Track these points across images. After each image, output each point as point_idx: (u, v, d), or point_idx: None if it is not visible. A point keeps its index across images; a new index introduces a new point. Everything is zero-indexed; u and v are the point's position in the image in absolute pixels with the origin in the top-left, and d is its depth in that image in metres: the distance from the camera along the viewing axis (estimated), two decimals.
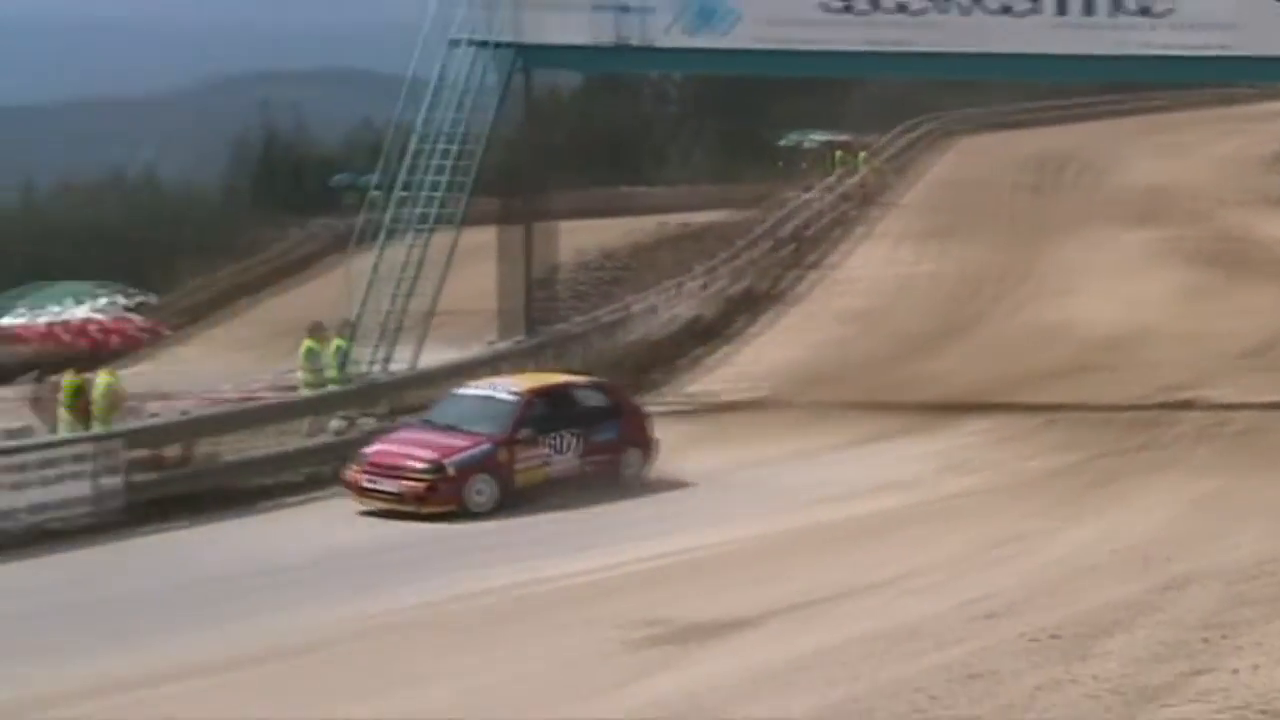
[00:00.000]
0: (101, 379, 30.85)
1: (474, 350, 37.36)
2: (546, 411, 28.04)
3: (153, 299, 60.22)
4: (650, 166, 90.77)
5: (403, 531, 25.67)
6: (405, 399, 33.15)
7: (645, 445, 29.00)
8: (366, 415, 32.15)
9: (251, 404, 34.54)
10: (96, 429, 28.90)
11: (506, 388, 28.69)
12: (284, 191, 79.73)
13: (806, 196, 60.84)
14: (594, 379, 30.79)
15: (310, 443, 31.15)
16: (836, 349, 42.12)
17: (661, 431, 30.86)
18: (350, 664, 18.84)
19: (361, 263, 36.24)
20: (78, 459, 26.90)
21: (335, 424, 31.96)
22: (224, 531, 26.14)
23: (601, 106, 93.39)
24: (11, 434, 28.17)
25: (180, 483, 27.94)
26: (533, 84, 39.21)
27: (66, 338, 47.10)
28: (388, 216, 35.89)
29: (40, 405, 33.02)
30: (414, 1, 37.14)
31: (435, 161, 35.89)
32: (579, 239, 54.99)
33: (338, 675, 18.46)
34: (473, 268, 38.27)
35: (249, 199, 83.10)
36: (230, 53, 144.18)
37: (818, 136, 75.07)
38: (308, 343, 34.02)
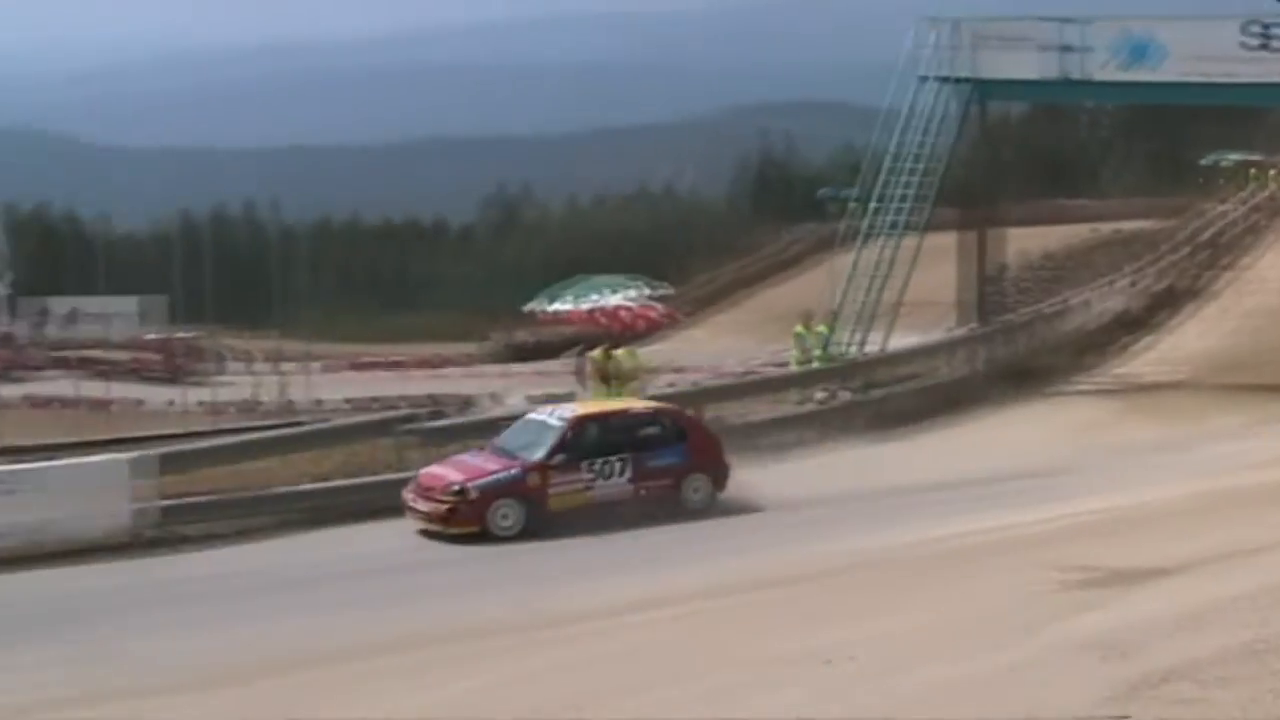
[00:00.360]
0: (622, 354, 31.61)
1: (934, 335, 37.27)
2: (595, 437, 24.65)
3: (670, 290, 61.49)
4: (1085, 182, 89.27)
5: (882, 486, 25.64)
6: (876, 375, 33.26)
7: (714, 470, 25.23)
8: (844, 389, 32.31)
9: (750, 377, 35.03)
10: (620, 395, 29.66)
11: (560, 414, 25.38)
12: (777, 202, 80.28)
13: (1222, 208, 59.06)
14: (659, 405, 26.57)
15: (799, 409, 31.41)
16: (1248, 338, 40.79)
17: (1092, 407, 30.26)
18: (843, 591, 18.90)
19: (841, 262, 36.42)
20: None
21: (819, 395, 32.19)
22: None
23: (1044, 131, 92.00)
24: (557, 399, 29.07)
25: None
26: (986, 112, 38.91)
27: (602, 320, 48.32)
28: (864, 223, 35.98)
29: (580, 375, 34.02)
30: (887, 44, 37.17)
31: (904, 178, 35.85)
32: (1024, 243, 54.18)
33: (831, 600, 18.51)
34: (934, 267, 38.04)
35: (748, 208, 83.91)
36: (736, 87, 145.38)
37: (1233, 156, 72.71)
38: (798, 328, 34.42)
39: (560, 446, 24.25)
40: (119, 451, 25.47)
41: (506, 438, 25.15)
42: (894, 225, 35.69)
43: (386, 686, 15.55)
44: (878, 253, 35.57)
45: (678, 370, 38.22)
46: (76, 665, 17.40)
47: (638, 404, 26.46)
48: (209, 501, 24.32)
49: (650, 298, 59.55)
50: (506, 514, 23.62)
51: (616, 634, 17.25)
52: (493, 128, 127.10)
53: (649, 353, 41.92)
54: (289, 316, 54.27)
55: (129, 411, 47.14)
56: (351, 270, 72.18)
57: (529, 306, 58.29)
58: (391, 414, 30.22)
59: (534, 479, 23.95)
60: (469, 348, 58.46)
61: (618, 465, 24.34)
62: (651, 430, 25.09)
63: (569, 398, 31.89)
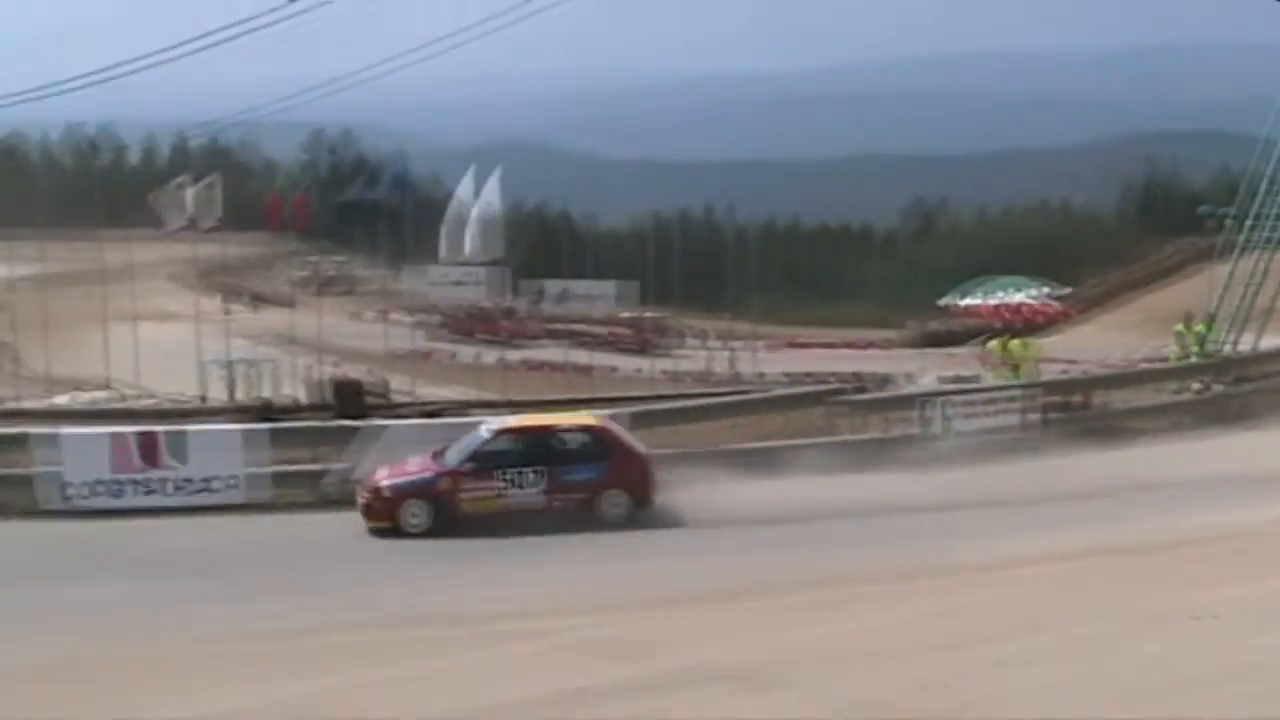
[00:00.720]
0: (1016, 345, 31.16)
1: None
2: (512, 449, 22.82)
3: (1065, 290, 60.12)
4: None
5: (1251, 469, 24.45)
6: (1248, 371, 31.76)
7: (636, 488, 22.91)
8: (1219, 382, 30.97)
9: (1133, 369, 33.92)
10: (1020, 379, 29.19)
11: (490, 426, 23.50)
12: (1160, 218, 77.69)
13: None
14: (588, 423, 23.78)
15: (1176, 399, 30.26)
16: None
17: None
18: (1215, 560, 18.13)
19: (1219, 271, 34.87)
20: (1010, 400, 27.12)
21: (1196, 386, 30.96)
22: (1112, 457, 25.71)
23: None
24: (963, 379, 28.67)
25: (1082, 422, 27.70)
26: None
27: (1006, 314, 47.57)
28: (1241, 238, 34.45)
29: (984, 359, 33.50)
30: (1262, 79, 35.44)
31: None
32: None
33: (1205, 567, 17.76)
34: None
35: (1135, 222, 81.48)
36: (1124, 117, 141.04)
37: None
38: (1178, 326, 33.22)
39: (473, 455, 22.77)
40: (600, 409, 26.10)
41: (454, 443, 23.49)
42: (1268, 240, 34.03)
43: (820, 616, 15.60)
44: (1252, 264, 33.95)
45: (1070, 361, 37.21)
46: None
47: (566, 421, 24.08)
48: (675, 454, 24.60)
49: (1049, 296, 58.47)
50: (416, 513, 22.40)
51: (987, 587, 16.90)
52: (915, 147, 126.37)
53: (1045, 344, 41.02)
54: (739, 302, 54.75)
55: (606, 377, 48.32)
56: (793, 265, 72.53)
57: (942, 300, 57.75)
58: (822, 387, 30.19)
59: (445, 483, 22.57)
60: (890, 334, 58.16)
61: (531, 476, 22.62)
62: (573, 446, 23.10)
63: (973, 379, 31.43)
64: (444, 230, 59.15)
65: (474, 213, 58.83)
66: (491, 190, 58.90)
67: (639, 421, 25.19)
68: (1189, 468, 24.26)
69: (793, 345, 55.34)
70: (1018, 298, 56.62)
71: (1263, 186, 34.67)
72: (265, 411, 28.73)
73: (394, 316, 58.16)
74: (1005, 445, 26.03)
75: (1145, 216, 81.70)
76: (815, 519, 21.78)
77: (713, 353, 52.68)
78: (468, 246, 58.60)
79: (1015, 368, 30.61)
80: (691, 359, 52.71)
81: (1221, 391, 30.41)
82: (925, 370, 37.83)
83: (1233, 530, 19.27)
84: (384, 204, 64.66)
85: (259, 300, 64.72)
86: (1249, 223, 34.32)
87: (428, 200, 66.37)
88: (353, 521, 22.56)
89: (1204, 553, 18.25)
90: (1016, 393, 27.53)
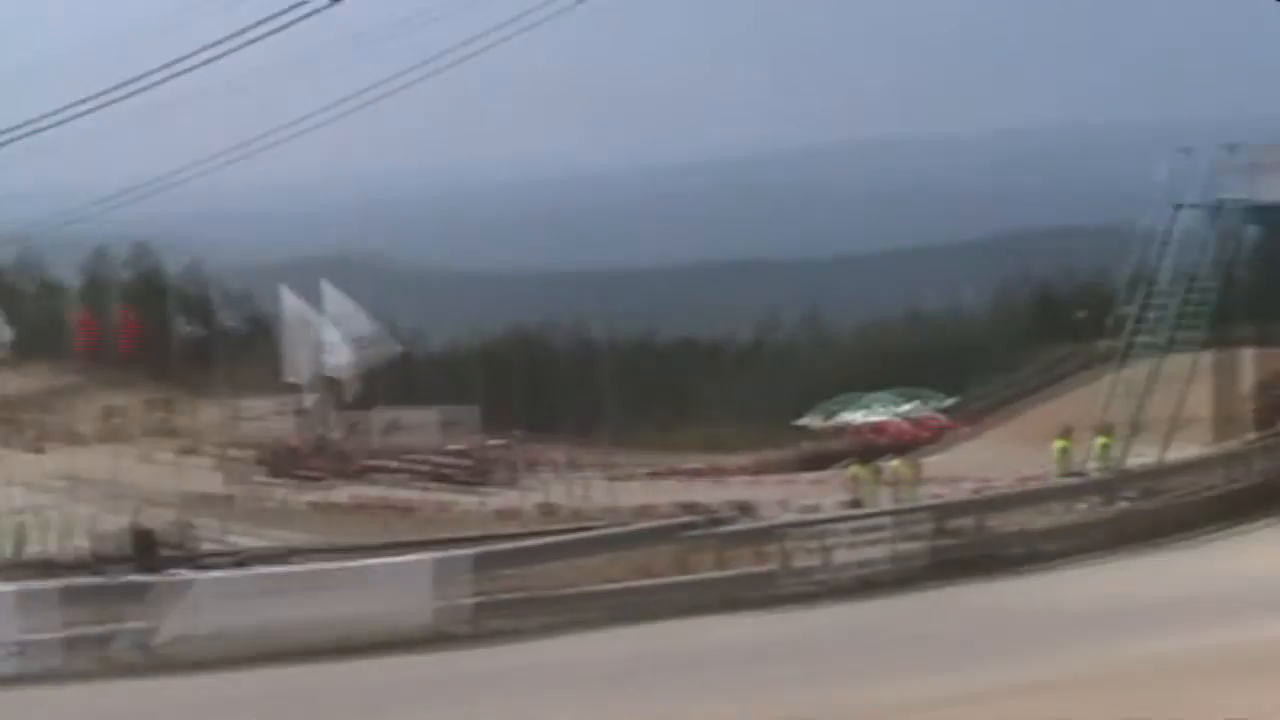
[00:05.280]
0: (897, 464, 31.45)
1: (1208, 448, 36.05)
2: None
3: (947, 403, 60.91)
4: None
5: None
6: (1151, 485, 32.18)
7: None
8: (1122, 499, 31.32)
9: (1023, 487, 34.26)
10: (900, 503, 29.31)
11: None
12: (1045, 322, 79.06)
13: None
14: None
15: (1078, 520, 30.53)
16: None
17: None
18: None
19: (1109, 378, 35.44)
20: (886, 527, 27.16)
21: (1092, 503, 31.31)
22: (1002, 587, 25.81)
23: None
24: (833, 506, 28.77)
25: (968, 548, 27.81)
26: (1259, 234, 37.84)
27: (879, 432, 48.01)
28: (1126, 343, 35.14)
29: (855, 484, 33.65)
30: (1145, 172, 36.39)
31: (1172, 300, 34.95)
32: None
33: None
34: (1192, 383, 37.01)
35: (1017, 326, 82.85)
36: (1004, 212, 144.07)
37: None
38: (1058, 442, 33.74)
39: None
40: (432, 551, 25.72)
41: None
42: (1159, 344, 34.74)
43: None
44: (1143, 370, 34.63)
45: (954, 480, 37.56)
46: None
47: None
48: (516, 599, 24.29)
49: (936, 410, 59.17)
50: None
51: None
52: (781, 250, 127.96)
53: (928, 463, 41.36)
54: (590, 427, 54.65)
55: (439, 514, 47.76)
56: (648, 384, 72.60)
57: (804, 420, 58.15)
58: (679, 520, 30.08)
59: None
60: (749, 459, 58.31)
61: None
62: None
63: (845, 505, 31.57)
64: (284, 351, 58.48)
65: (307, 332, 58.32)
66: (338, 303, 58.43)
67: (483, 565, 24.86)
68: (1083, 598, 24.44)
69: (650, 474, 55.21)
70: (893, 413, 57.16)
71: (1147, 286, 35.47)
72: (51, 567, 27.87)
73: (206, 453, 57.20)
74: (882, 577, 26.02)
75: (1027, 320, 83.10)
76: (657, 670, 21.57)
77: (561, 484, 52.34)
78: (304, 370, 58.03)
79: (894, 491, 30.79)
80: (537, 491, 52.30)
81: (1124, 509, 30.74)
82: (791, 498, 37.90)
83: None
84: (190, 329, 63.78)
85: (42, 440, 63.27)
86: (1130, 327, 35.03)
87: (251, 321, 65.65)
88: (153, 691, 21.84)
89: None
90: (894, 520, 27.56)
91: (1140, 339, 34.91)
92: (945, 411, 60.22)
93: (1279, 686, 18.29)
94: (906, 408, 59.19)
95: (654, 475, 54.98)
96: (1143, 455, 33.62)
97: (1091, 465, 32.52)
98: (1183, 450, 35.51)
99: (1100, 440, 32.88)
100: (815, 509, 31.00)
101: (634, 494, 48.01)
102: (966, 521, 28.64)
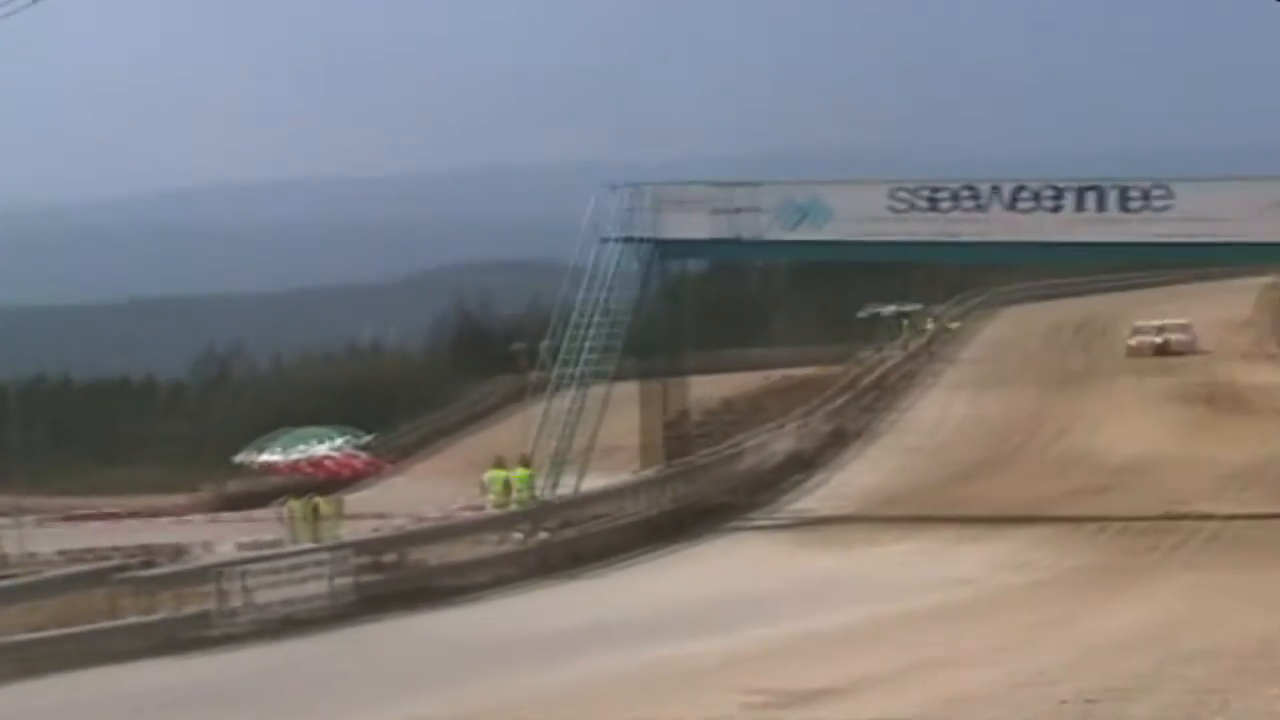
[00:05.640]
0: (322, 502, 31.51)
1: (623, 477, 37.44)
2: None
3: (371, 439, 61.02)
4: (760, 333, 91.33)
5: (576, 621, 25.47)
6: (570, 515, 33.21)
7: None
8: (541, 529, 32.21)
9: (449, 522, 34.75)
10: (324, 540, 29.36)
11: None
12: (474, 355, 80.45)
13: (882, 355, 60.82)
14: None
15: (499, 550, 31.23)
16: (908, 475, 41.95)
17: (770, 541, 31.03)
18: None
19: (536, 410, 36.43)
20: (317, 564, 27.14)
21: (517, 535, 32.06)
22: (429, 620, 26.20)
23: (722, 285, 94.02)
24: (265, 544, 28.52)
25: (397, 583, 28.06)
26: (667, 269, 39.62)
27: (308, 469, 47.77)
28: (555, 374, 36.15)
29: (288, 522, 33.51)
30: (576, 205, 37.66)
31: (591, 331, 36.19)
32: (704, 390, 55.08)
33: None
34: (622, 414, 38.48)
35: (448, 362, 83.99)
36: (432, 248, 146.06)
37: (892, 308, 74.98)
38: (487, 474, 34.40)
39: None
40: None
41: None
42: (582, 376, 35.93)
43: None
44: (568, 401, 35.72)
45: (381, 516, 37.78)
46: None
47: None
48: None
49: (355, 447, 59.07)
50: None
51: None
52: (207, 288, 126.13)
53: (354, 500, 41.43)
54: (1, 472, 52.48)
55: None
56: (66, 427, 70.33)
57: (238, 458, 57.32)
58: (104, 565, 29.21)
59: None
60: (182, 498, 57.13)
61: None
62: None
63: (276, 544, 31.34)
64: None
65: None
66: None
67: None
68: (502, 628, 25.07)
69: (68, 519, 53.30)
70: (321, 450, 57.04)
71: (573, 319, 36.64)
72: None
73: None
74: (314, 614, 26.01)
75: (458, 355, 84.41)
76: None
77: None
78: None
79: (318, 528, 30.79)
80: None
81: (546, 539, 31.64)
82: (223, 537, 37.36)
83: (537, 694, 20.03)
84: None
85: None
86: (562, 358, 36.12)
87: None
88: None
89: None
90: (325, 555, 27.60)
91: (566, 370, 35.96)
92: (373, 446, 60.40)
93: (678, 701, 19.32)
94: (339, 442, 59.10)
95: (79, 518, 53.17)
96: (565, 486, 34.68)
97: (514, 497, 33.28)
98: (605, 480, 36.89)
99: (520, 472, 33.67)
100: (250, 547, 30.67)
101: (56, 539, 46.32)
102: (392, 556, 28.89)
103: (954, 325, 72.21)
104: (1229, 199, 35.71)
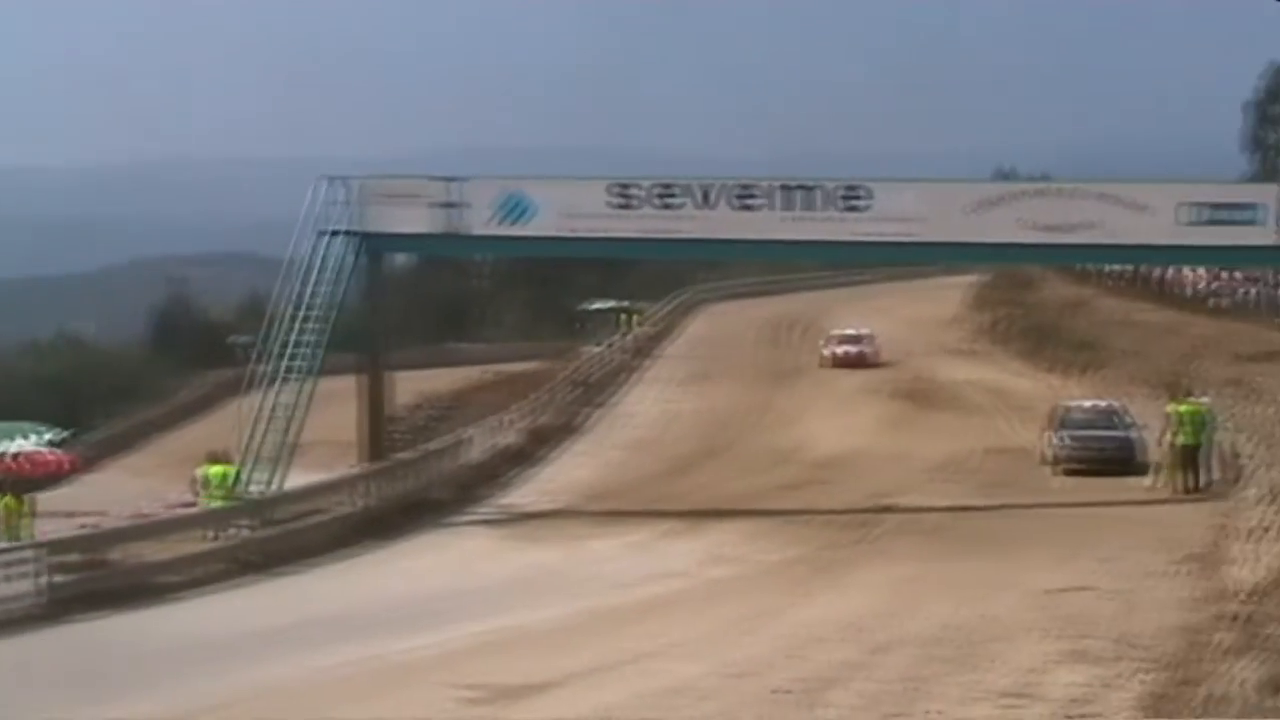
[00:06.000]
0: (9, 499, 30.82)
1: (335, 472, 37.01)
2: None
3: (67, 435, 59.40)
4: (475, 327, 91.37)
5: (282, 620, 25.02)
6: (278, 512, 32.62)
7: None
8: (247, 526, 31.58)
9: (154, 519, 33.94)
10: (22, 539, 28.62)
11: None
12: (189, 349, 78.97)
13: (595, 350, 61.11)
14: None
15: (209, 547, 30.57)
16: (618, 469, 42.23)
17: (482, 536, 31.08)
18: None
19: (249, 404, 35.75)
20: (17, 563, 26.22)
21: (223, 533, 31.42)
22: (136, 619, 25.52)
23: (436, 280, 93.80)
24: None
25: (99, 581, 27.23)
26: (381, 263, 39.29)
27: (5, 466, 46.33)
28: (269, 368, 35.57)
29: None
30: (295, 200, 37.08)
31: (305, 325, 35.68)
32: (419, 385, 54.88)
33: None
34: (337, 408, 38.07)
35: (160, 355, 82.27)
36: (144, 240, 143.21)
37: (606, 303, 75.54)
38: (199, 470, 33.72)
39: None
40: None
41: None
42: (295, 370, 35.40)
43: None
44: (281, 396, 35.15)
45: (71, 514, 36.73)
46: None
47: None
48: None
49: (48, 443, 57.43)
50: None
51: None
52: None
53: (48, 498, 40.23)
54: None
55: None
56: None
57: None
58: None
59: None
60: None
61: None
62: None
63: None
64: None
65: None
66: None
67: None
68: (218, 624, 24.56)
69: None
70: (17, 446, 55.37)
71: (288, 312, 36.07)
72: None
73: None
74: (9, 615, 25.14)
75: (171, 348, 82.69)
76: None
77: None
78: None
79: (15, 528, 29.82)
80: None
81: (253, 536, 31.03)
82: None
83: (259, 692, 19.67)
84: None
85: None
86: (276, 352, 35.53)
87: None
88: None
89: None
90: (25, 555, 26.68)
91: (279, 364, 35.41)
92: (68, 443, 58.87)
93: (390, 698, 19.16)
94: (32, 439, 57.53)
95: None
96: (275, 482, 34.09)
97: (216, 494, 32.62)
98: (317, 475, 36.42)
99: (222, 468, 33.03)
100: None
101: None
102: (93, 555, 28.03)
103: (667, 321, 72.96)
104: (930, 200, 36.66)
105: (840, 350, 58.41)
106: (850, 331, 60.21)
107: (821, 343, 59.77)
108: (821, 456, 41.79)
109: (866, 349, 58.41)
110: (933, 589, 25.38)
